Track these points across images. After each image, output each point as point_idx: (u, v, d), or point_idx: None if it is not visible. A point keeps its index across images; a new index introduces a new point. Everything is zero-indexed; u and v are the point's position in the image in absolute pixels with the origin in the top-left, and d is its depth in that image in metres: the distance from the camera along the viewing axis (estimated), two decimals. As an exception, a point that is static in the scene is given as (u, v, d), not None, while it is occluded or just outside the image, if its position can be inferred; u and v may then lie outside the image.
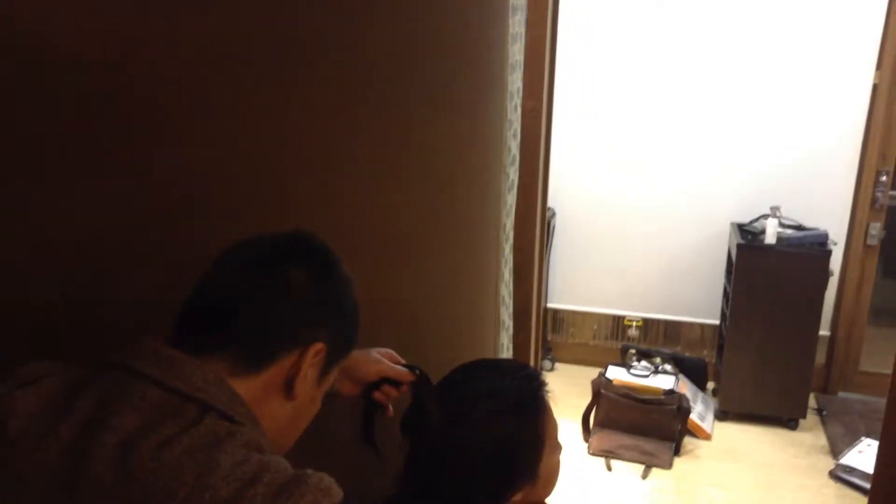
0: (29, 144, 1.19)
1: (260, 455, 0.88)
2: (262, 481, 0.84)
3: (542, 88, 2.47)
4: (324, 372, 1.06)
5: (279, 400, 1.01)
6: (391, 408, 1.32)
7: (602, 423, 3.87)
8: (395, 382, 1.30)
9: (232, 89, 1.25)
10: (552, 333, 4.67)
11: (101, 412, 0.87)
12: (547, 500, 1.31)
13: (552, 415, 1.27)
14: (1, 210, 1.18)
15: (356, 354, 1.28)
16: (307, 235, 1.07)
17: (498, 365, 1.32)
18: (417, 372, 1.30)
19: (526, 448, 1.21)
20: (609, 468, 3.67)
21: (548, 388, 1.27)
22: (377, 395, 1.29)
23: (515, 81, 2.04)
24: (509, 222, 2.05)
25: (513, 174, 2.11)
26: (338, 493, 0.88)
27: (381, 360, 1.30)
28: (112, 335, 1.16)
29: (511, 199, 2.08)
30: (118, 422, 0.86)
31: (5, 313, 1.17)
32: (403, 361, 1.32)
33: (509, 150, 1.96)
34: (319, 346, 1.01)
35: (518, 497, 1.22)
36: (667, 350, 4.31)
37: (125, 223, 1.22)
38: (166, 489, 0.81)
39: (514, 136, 2.07)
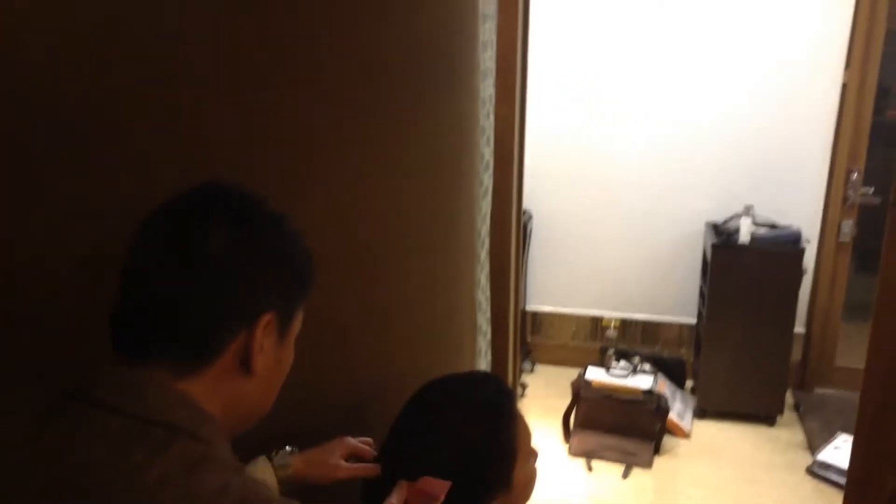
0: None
1: (238, 479, 0.85)
2: None
3: (514, 95, 2.49)
4: (283, 331, 0.98)
5: (240, 381, 0.94)
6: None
7: (582, 424, 3.89)
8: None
9: (200, 90, 1.25)
10: (531, 335, 4.69)
11: (66, 444, 0.84)
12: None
13: (525, 423, 1.28)
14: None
15: (307, 471, 1.23)
16: (217, 188, 0.96)
17: (467, 379, 1.33)
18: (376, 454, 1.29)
19: (499, 458, 1.22)
20: (590, 469, 3.70)
21: (523, 392, 1.28)
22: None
23: (487, 88, 2.05)
24: (485, 228, 2.06)
25: (487, 180, 2.12)
26: None
27: (347, 440, 1.28)
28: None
29: (486, 205, 2.10)
30: (84, 454, 0.82)
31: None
32: (358, 444, 1.30)
33: (482, 157, 1.98)
34: (267, 317, 0.94)
35: (495, 504, 1.23)
36: (645, 350, 4.34)
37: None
38: None
39: (488, 142, 2.09)
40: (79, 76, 1.19)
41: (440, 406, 1.22)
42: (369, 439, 1.31)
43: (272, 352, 0.97)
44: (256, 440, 1.10)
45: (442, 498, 1.11)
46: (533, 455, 1.30)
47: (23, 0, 1.18)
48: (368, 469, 1.25)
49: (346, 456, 1.27)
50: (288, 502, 0.84)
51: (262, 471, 1.18)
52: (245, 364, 0.93)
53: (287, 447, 1.24)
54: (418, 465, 1.19)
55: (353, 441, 1.30)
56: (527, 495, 1.30)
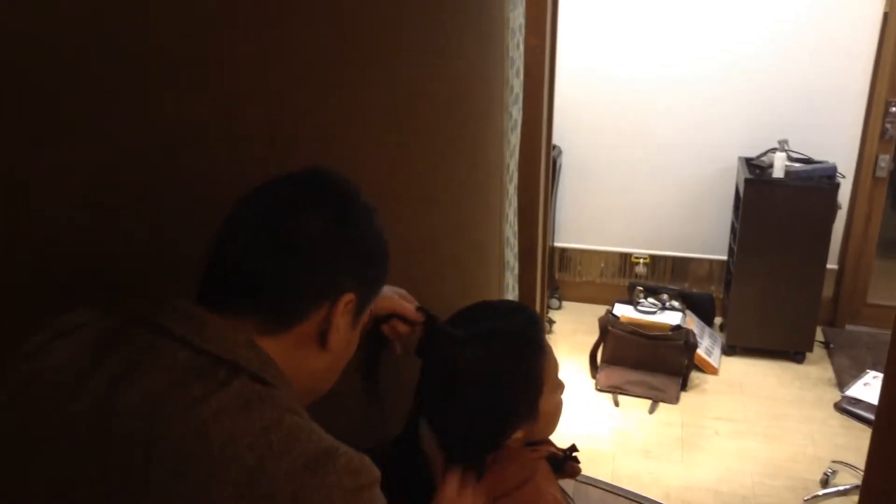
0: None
1: (292, 417, 0.86)
2: (290, 454, 0.82)
3: (545, 24, 2.43)
4: (357, 316, 1.04)
5: (314, 352, 0.99)
6: (398, 346, 1.31)
7: (609, 360, 3.90)
8: (405, 320, 1.28)
9: (231, 33, 1.24)
10: (559, 272, 4.68)
11: (131, 370, 0.87)
12: (550, 438, 1.33)
13: (552, 354, 1.28)
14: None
15: None
16: (320, 175, 1.03)
17: (496, 307, 1.33)
18: (428, 314, 1.29)
19: (525, 387, 1.22)
20: (616, 404, 3.72)
21: (550, 328, 1.28)
22: (384, 327, 1.28)
23: (517, 18, 2.00)
24: (513, 162, 2.03)
25: (516, 113, 2.08)
26: (369, 474, 0.86)
27: (393, 297, 1.28)
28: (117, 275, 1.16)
29: (514, 138, 2.06)
30: (147, 380, 0.86)
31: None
32: (416, 303, 1.31)
33: (512, 89, 1.94)
34: (349, 296, 0.99)
35: (520, 434, 1.23)
36: (674, 287, 4.32)
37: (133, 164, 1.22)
38: (193, 456, 0.81)
39: (517, 73, 2.04)
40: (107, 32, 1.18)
41: (468, 334, 1.22)
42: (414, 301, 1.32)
43: (345, 333, 1.02)
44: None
45: None
46: (559, 387, 1.30)
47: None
48: (415, 313, 1.27)
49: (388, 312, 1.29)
50: (336, 450, 0.84)
51: None
52: (322, 337, 0.98)
53: None
54: (446, 392, 1.20)
55: (409, 297, 1.31)
56: (552, 427, 1.31)
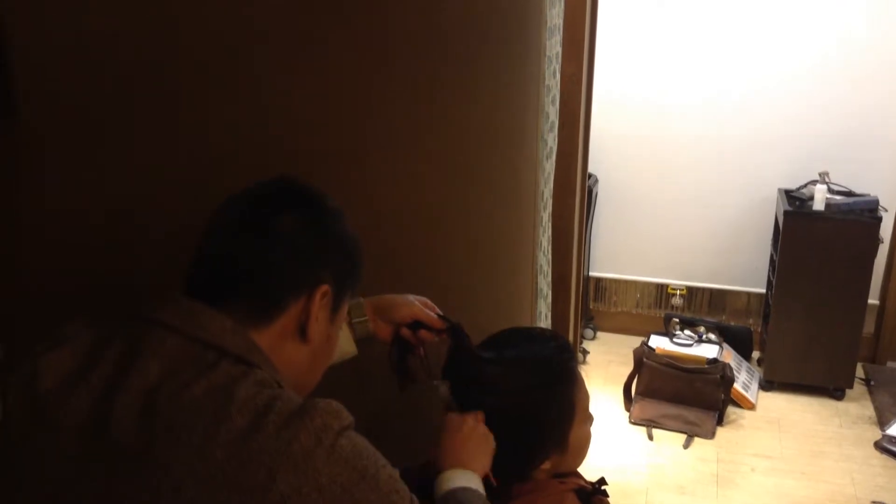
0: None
1: (276, 391, 0.93)
2: (274, 410, 0.88)
3: (582, 53, 2.43)
4: (335, 309, 1.09)
5: (295, 345, 1.04)
6: (422, 350, 1.34)
7: (644, 393, 3.85)
8: (428, 327, 1.32)
9: (259, 56, 1.25)
10: (594, 302, 4.64)
11: (127, 360, 0.94)
12: (578, 470, 1.31)
13: (583, 385, 1.27)
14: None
15: (392, 297, 1.33)
16: (289, 181, 1.09)
17: (530, 334, 1.31)
18: (451, 322, 1.30)
19: (555, 418, 1.20)
20: (651, 437, 3.66)
21: (584, 359, 1.27)
22: (404, 331, 1.32)
23: (554, 46, 2.00)
24: (547, 190, 2.03)
25: (551, 141, 2.07)
26: (347, 416, 0.92)
27: (414, 303, 1.33)
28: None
29: (549, 166, 2.06)
30: (142, 367, 0.92)
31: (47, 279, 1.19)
32: (440, 311, 1.34)
33: (547, 117, 1.93)
34: (325, 287, 1.04)
35: (547, 465, 1.22)
36: (711, 319, 4.25)
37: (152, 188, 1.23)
38: (187, 425, 0.87)
39: (553, 101, 2.04)
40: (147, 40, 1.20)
41: (501, 364, 1.21)
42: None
43: (324, 326, 1.07)
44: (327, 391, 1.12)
45: None
46: (589, 419, 1.28)
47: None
48: (437, 321, 1.31)
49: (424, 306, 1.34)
50: (314, 400, 0.91)
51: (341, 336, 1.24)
52: (302, 330, 1.04)
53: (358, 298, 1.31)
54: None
55: (432, 305, 1.36)
56: (580, 458, 1.29)
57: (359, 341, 1.31)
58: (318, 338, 1.06)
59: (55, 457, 0.91)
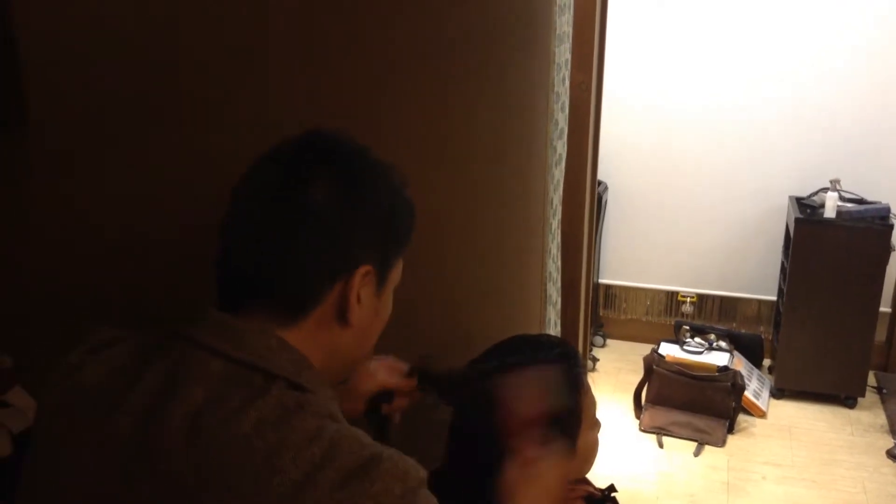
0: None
1: (333, 426, 0.85)
2: (333, 465, 0.80)
3: (591, 61, 2.43)
4: (381, 281, 0.99)
5: (337, 331, 0.96)
6: (397, 417, 1.30)
7: (654, 400, 3.83)
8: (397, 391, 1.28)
9: (273, 67, 1.25)
10: (604, 309, 4.63)
11: (169, 384, 0.86)
12: (587, 476, 1.31)
13: (590, 391, 1.26)
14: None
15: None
16: (322, 138, 0.97)
17: (535, 341, 1.31)
18: (418, 371, 1.28)
19: (562, 425, 1.20)
20: (661, 445, 3.64)
21: (594, 366, 1.26)
22: (385, 408, 1.27)
23: (563, 53, 2.00)
24: (556, 197, 2.03)
25: (560, 148, 2.07)
26: (415, 476, 0.84)
27: (377, 372, 1.27)
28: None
29: (559, 173, 2.06)
30: (185, 394, 0.85)
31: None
32: (404, 366, 1.30)
33: (556, 124, 1.94)
34: (364, 269, 0.94)
35: (556, 472, 1.21)
36: (722, 326, 4.24)
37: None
38: (237, 466, 0.80)
39: (562, 108, 2.04)
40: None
41: (470, 371, 1.21)
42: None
43: (370, 303, 0.97)
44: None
45: None
46: (597, 425, 1.28)
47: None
48: (405, 382, 1.26)
49: (386, 368, 1.28)
50: (380, 456, 0.83)
51: None
52: (342, 315, 0.94)
53: None
54: (483, 423, 1.18)
55: (396, 363, 1.29)
56: (589, 465, 1.28)
57: None
58: (361, 318, 0.96)
59: (96, 473, 0.85)
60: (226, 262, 0.94)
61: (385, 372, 1.27)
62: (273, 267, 0.91)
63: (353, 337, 0.98)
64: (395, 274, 1.03)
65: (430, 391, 1.28)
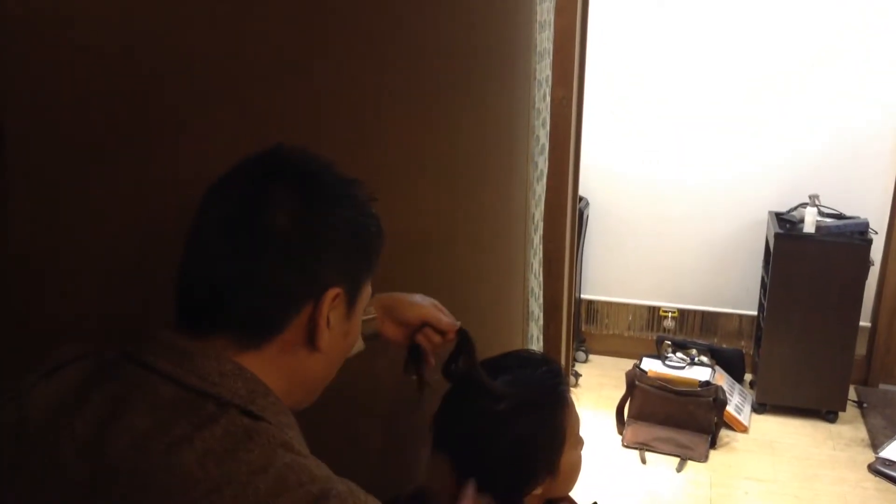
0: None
1: (285, 457, 0.81)
2: (277, 501, 0.76)
3: (572, 76, 2.44)
4: (351, 305, 0.95)
5: (304, 354, 0.91)
6: (432, 359, 1.26)
7: (636, 416, 3.83)
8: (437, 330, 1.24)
9: (254, 79, 1.24)
10: (586, 324, 4.63)
11: (114, 409, 0.82)
12: (570, 494, 1.30)
13: (574, 410, 1.26)
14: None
15: (401, 297, 1.23)
16: (282, 157, 0.93)
17: (523, 358, 1.30)
18: (461, 328, 1.25)
19: (546, 443, 1.19)
20: (643, 461, 3.64)
21: (576, 381, 1.26)
22: (419, 337, 1.22)
23: (544, 69, 2.01)
24: (538, 212, 2.03)
25: (542, 163, 2.08)
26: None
27: (425, 305, 1.23)
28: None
29: (540, 188, 2.06)
30: (130, 421, 0.81)
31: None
32: (450, 315, 1.26)
33: (538, 140, 1.94)
34: (334, 291, 0.90)
35: (539, 490, 1.20)
36: (703, 341, 4.25)
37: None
38: (177, 497, 0.76)
39: (543, 124, 2.05)
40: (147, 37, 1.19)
41: (490, 386, 1.19)
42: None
43: (340, 327, 0.94)
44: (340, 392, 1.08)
45: None
46: (580, 443, 1.27)
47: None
48: (449, 324, 1.23)
49: (419, 321, 1.24)
50: (329, 491, 0.79)
51: None
52: (311, 340, 0.91)
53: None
54: (466, 445, 1.18)
55: (441, 307, 1.26)
56: (572, 483, 1.27)
57: (366, 337, 1.18)
58: (331, 344, 0.92)
59: (45, 501, 0.82)
60: (184, 282, 0.90)
61: (430, 307, 1.23)
62: (232, 291, 0.87)
63: (322, 362, 0.95)
64: (365, 294, 0.99)
65: (422, 381, 1.26)
